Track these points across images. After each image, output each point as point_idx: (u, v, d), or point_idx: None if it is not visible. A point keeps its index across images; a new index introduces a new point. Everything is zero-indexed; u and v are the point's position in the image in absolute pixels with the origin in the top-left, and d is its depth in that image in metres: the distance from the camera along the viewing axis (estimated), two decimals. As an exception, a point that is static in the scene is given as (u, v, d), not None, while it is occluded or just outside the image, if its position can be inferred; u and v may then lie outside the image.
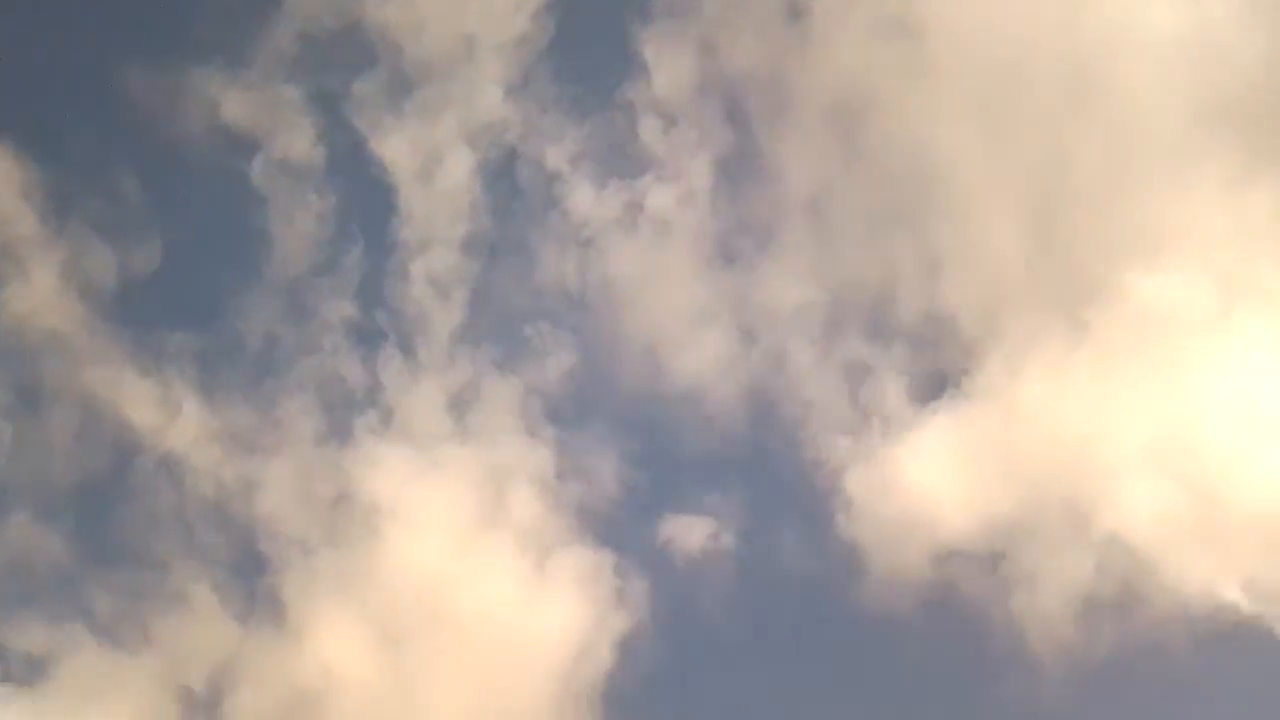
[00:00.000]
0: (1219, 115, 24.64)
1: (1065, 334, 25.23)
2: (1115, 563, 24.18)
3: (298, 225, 27.35)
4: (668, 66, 27.41)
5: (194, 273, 27.41)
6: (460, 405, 26.93)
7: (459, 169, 27.50)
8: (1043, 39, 25.78)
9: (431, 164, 27.54)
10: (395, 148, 27.55)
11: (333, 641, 25.52)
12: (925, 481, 25.48)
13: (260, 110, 27.54)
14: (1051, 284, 25.60)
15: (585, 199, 27.48)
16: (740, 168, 27.34)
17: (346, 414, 26.95)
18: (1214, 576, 23.74)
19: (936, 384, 26.23)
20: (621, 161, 27.68)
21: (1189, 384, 24.58)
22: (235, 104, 27.43)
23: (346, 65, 27.87)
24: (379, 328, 27.32)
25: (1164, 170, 25.00)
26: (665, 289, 27.19)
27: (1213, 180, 24.75)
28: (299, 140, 27.56)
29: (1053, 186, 25.71)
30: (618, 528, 26.41)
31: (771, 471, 26.79)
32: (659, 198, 27.34)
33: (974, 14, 26.14)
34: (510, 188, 27.85)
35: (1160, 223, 25.18)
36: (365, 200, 27.89)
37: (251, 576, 26.05)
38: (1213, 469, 24.21)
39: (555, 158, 27.58)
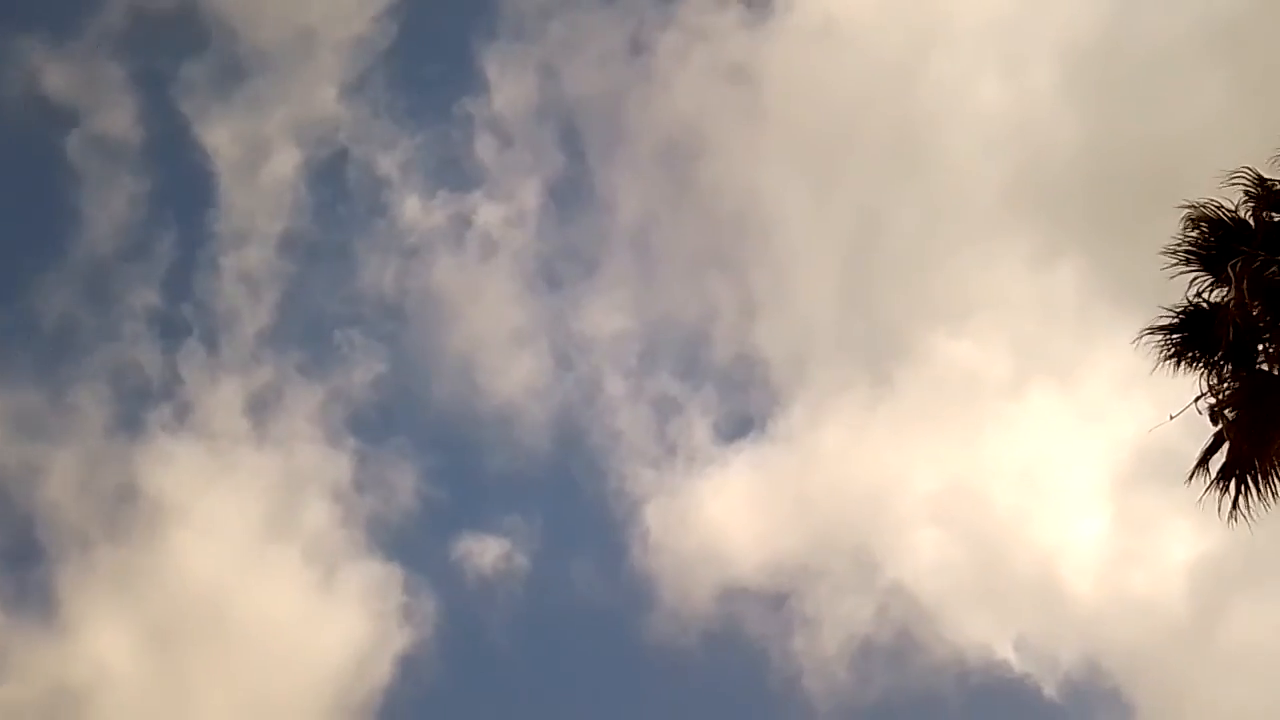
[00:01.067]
0: (1031, 192, 25.29)
1: (868, 388, 25.79)
2: (896, 611, 24.57)
3: (110, 206, 26.54)
4: (509, 85, 27.47)
5: (-8, 244, 26.28)
6: (260, 407, 26.28)
7: (284, 165, 26.94)
8: (874, 101, 26.43)
9: (256, 156, 26.97)
10: (220, 136, 26.95)
11: (105, 639, 24.63)
12: (722, 519, 25.85)
13: (82, 84, 26.82)
14: (860, 338, 26.17)
15: (412, 208, 27.19)
16: (570, 193, 27.55)
17: (140, 406, 26.21)
18: (989, 632, 24.31)
19: (742, 425, 26.73)
20: (453, 174, 27.71)
21: (980, 446, 25.29)
22: (56, 75, 26.65)
23: (178, 46, 27.34)
24: (184, 320, 26.70)
25: (975, 240, 25.71)
26: (485, 306, 27.14)
27: (1019, 254, 25.46)
28: (120, 118, 26.84)
29: (869, 244, 26.29)
30: (411, 543, 26.04)
31: (573, 498, 26.85)
32: (487, 214, 27.25)
33: (811, 69, 26.71)
34: (336, 189, 27.52)
35: (967, 290, 25.84)
36: (183, 187, 27.55)
37: (24, 566, 25.10)
38: (996, 529, 25.00)
39: (386, 163, 27.25)
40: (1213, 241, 12.11)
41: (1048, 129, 25.43)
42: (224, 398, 26.27)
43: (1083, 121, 25.07)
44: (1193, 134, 22.81)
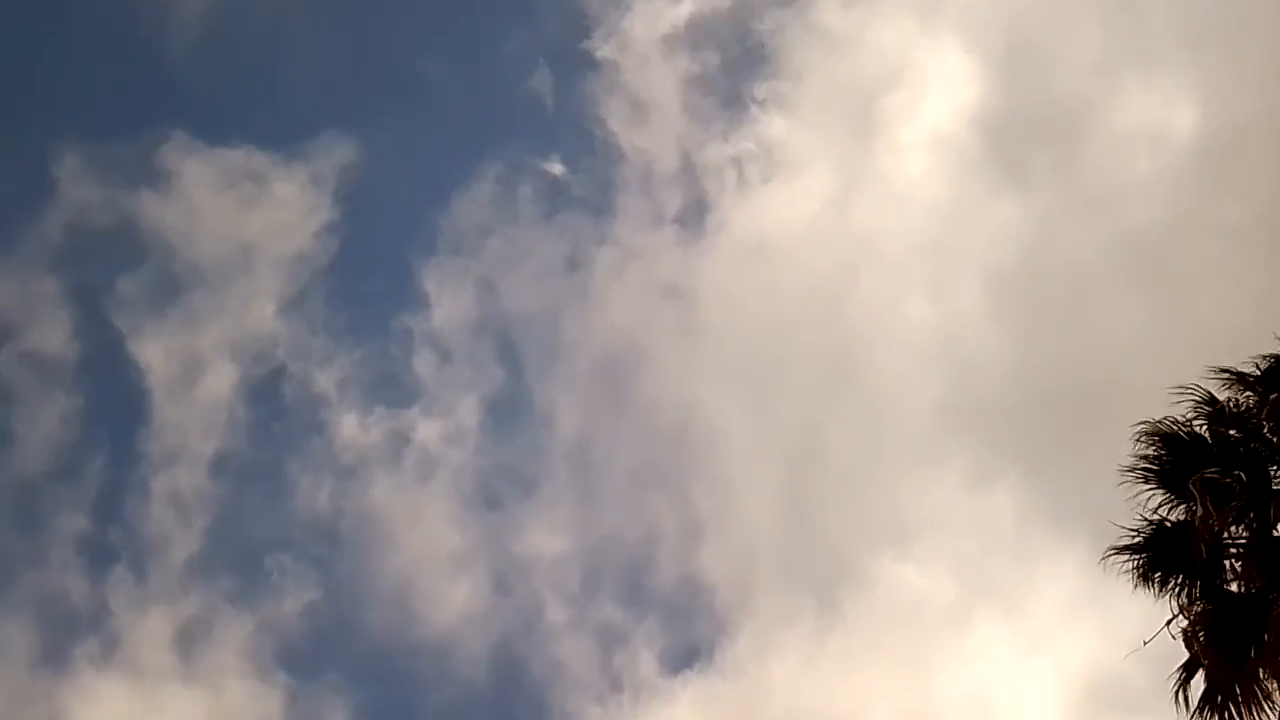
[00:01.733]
0: (962, 412, 25.28)
1: (815, 615, 25.22)
2: None
3: (41, 424, 26.11)
4: (447, 300, 27.35)
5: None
6: (188, 639, 25.44)
7: (219, 382, 26.65)
8: (806, 318, 26.50)
9: (191, 373, 26.67)
10: (154, 352, 26.63)
11: None
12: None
13: (16, 299, 26.71)
14: (805, 562, 25.75)
15: (349, 425, 26.81)
16: (509, 410, 27.28)
17: (67, 638, 25.25)
18: None
19: (688, 655, 25.93)
20: (391, 390, 27.38)
21: (930, 677, 24.71)
22: (-10, 290, 26.07)
23: (114, 261, 27.20)
24: (113, 545, 25.93)
25: (912, 460, 25.56)
26: (421, 528, 26.60)
27: (955, 475, 25.17)
28: (53, 334, 26.53)
29: (809, 464, 26.05)
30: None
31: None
32: (425, 431, 26.85)
33: (744, 287, 26.80)
34: (272, 407, 27.15)
35: (907, 512, 25.50)
36: (116, 405, 27.03)
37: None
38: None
39: (323, 380, 26.97)
40: (1168, 458, 11.88)
41: (975, 349, 25.61)
42: (152, 629, 25.46)
43: (1009, 341, 25.30)
44: (1117, 351, 23.12)
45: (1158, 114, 24.83)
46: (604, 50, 27.89)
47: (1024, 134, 25.74)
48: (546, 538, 26.29)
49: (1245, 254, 22.78)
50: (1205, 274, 23.31)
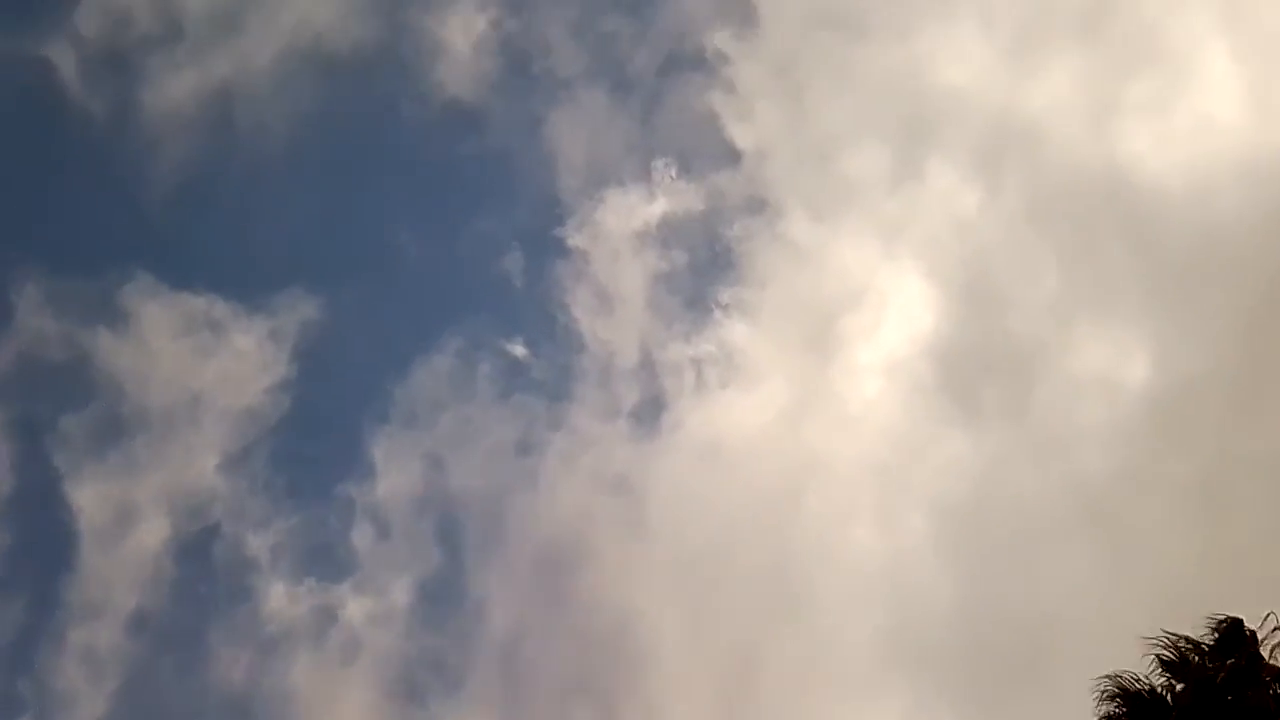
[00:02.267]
0: (905, 646, 24.92)
1: None
2: None
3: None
4: (394, 473, 27.02)
5: None
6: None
7: (151, 535, 26.18)
8: (753, 529, 26.25)
9: (123, 522, 26.19)
10: (89, 496, 26.15)
11: None
12: None
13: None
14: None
15: (277, 595, 26.24)
16: (443, 595, 26.85)
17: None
18: None
19: None
20: (324, 562, 26.88)
21: None
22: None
23: (61, 396, 26.91)
24: (20, 697, 25.26)
25: (850, 692, 25.12)
26: (339, 713, 26.05)
27: (895, 712, 24.71)
28: (-11, 465, 25.93)
29: (744, 687, 25.44)
30: None
31: None
32: (355, 610, 26.35)
33: (694, 491, 26.60)
34: (200, 567, 26.62)
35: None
36: (43, 545, 26.50)
37: None
38: None
39: (256, 544, 26.44)
40: (1127, 713, 11.90)
41: (919, 581, 25.37)
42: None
43: (953, 576, 25.11)
44: (1061, 596, 22.96)
45: (1111, 363, 25.14)
46: (576, 239, 28.22)
47: (978, 369, 26.17)
48: (467, 738, 25.84)
49: (1188, 511, 23.00)
50: (1150, 527, 23.35)
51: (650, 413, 27.42)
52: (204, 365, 27.41)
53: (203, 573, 26.69)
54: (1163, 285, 25.14)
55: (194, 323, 27.40)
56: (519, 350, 27.85)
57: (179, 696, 25.98)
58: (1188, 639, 11.75)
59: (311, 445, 27.66)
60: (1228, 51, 26.13)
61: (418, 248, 28.81)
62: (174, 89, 28.37)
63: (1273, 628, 11.85)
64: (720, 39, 28.63)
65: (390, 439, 27.14)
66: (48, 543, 26.55)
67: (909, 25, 28.26)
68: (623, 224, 28.18)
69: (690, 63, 28.96)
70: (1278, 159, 24.73)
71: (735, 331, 27.53)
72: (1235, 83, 25.92)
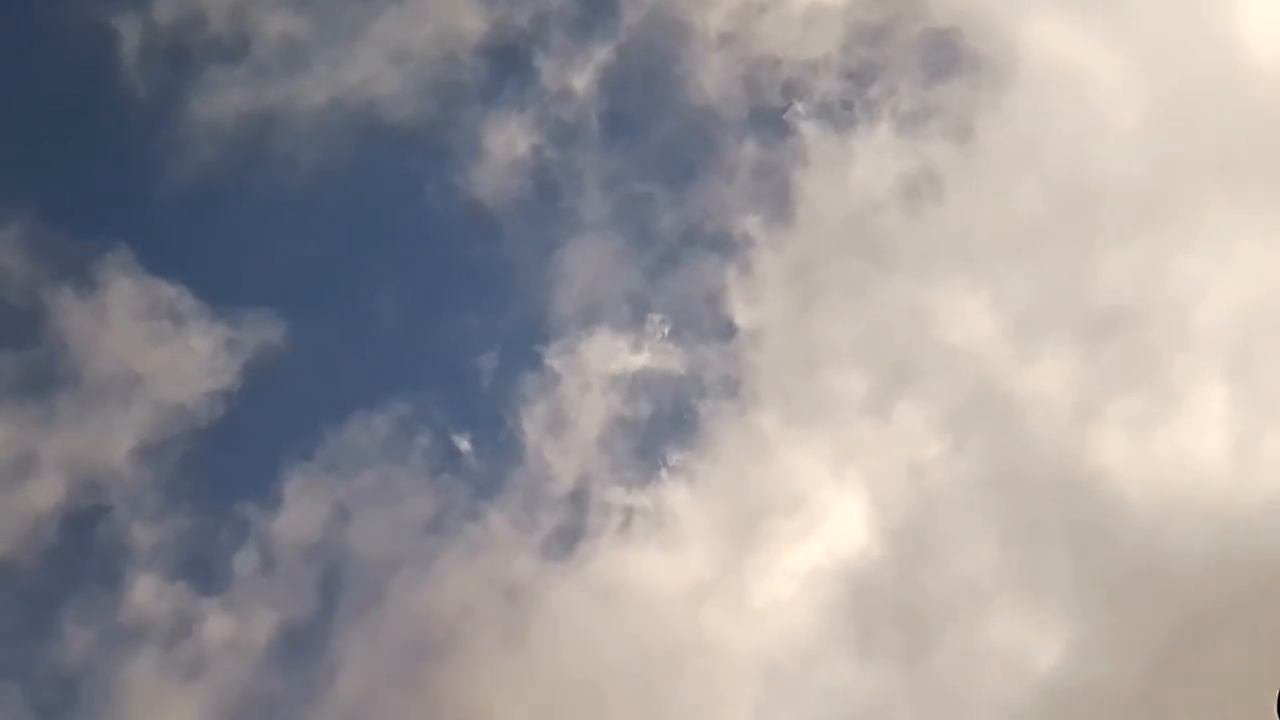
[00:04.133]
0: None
1: None
2: None
3: None
4: (298, 510, 26.90)
5: None
6: None
7: (42, 495, 26.13)
8: (629, 687, 25.81)
9: (18, 474, 26.17)
10: (-3, 437, 25.64)
11: None
12: None
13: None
14: None
15: (145, 588, 26.00)
16: (305, 643, 26.30)
17: None
18: None
19: None
20: (201, 573, 26.49)
21: None
22: None
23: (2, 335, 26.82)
24: None
25: None
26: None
27: None
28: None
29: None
30: None
31: None
32: (215, 627, 25.99)
33: (584, 626, 26.39)
34: (80, 541, 26.29)
35: None
36: None
37: None
38: None
39: (142, 535, 26.32)
40: None
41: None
42: None
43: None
44: None
45: (1022, 644, 25.17)
46: (552, 361, 28.44)
47: (892, 608, 25.97)
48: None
49: None
50: None
51: (567, 539, 27.18)
52: (153, 351, 27.24)
53: (80, 547, 26.22)
54: (1093, 589, 25.11)
55: (156, 308, 27.33)
56: (463, 440, 27.73)
57: (12, 654, 25.38)
58: None
59: (228, 459, 27.31)
60: (1225, 398, 26.52)
61: (397, 313, 28.73)
62: (221, 98, 28.72)
63: None
64: (750, 223, 29.15)
65: (306, 476, 26.93)
66: None
67: (928, 277, 28.57)
68: (601, 362, 28.34)
69: (713, 238, 29.31)
70: (1244, 511, 25.02)
71: (675, 494, 27.48)
72: (1223, 429, 26.24)
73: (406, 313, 28.69)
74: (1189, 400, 26.82)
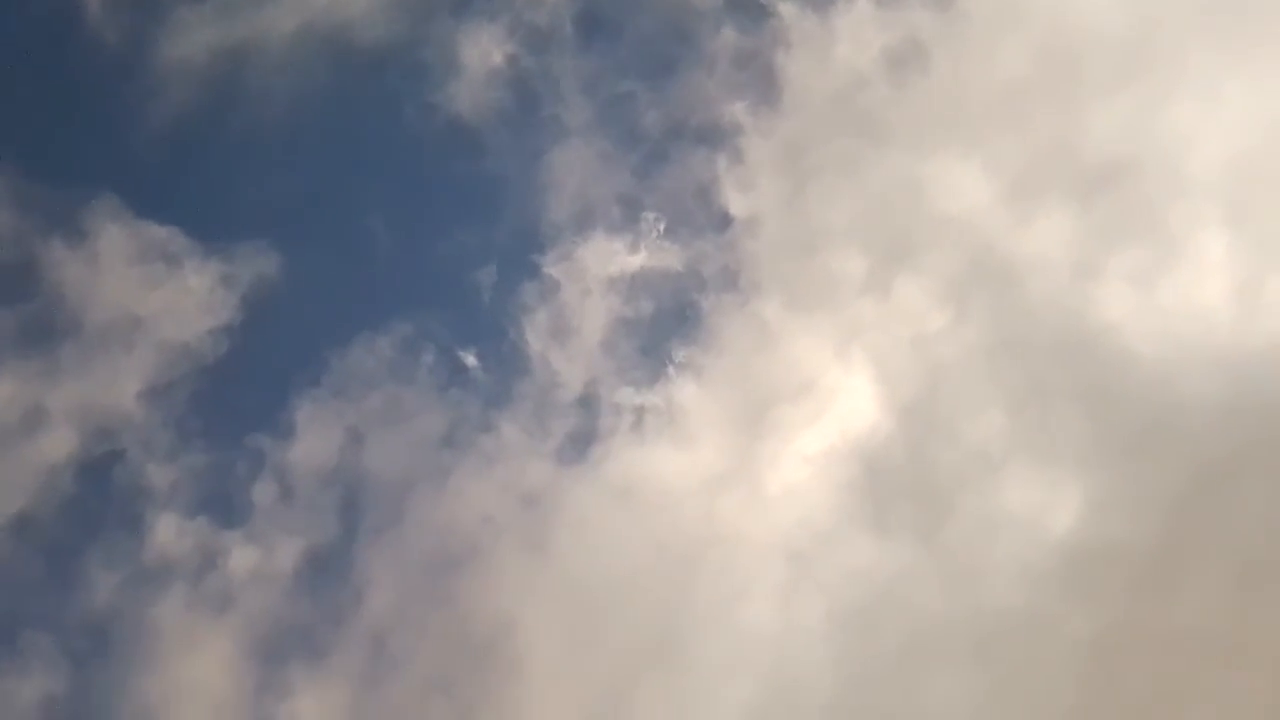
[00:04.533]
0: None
1: None
2: None
3: None
4: (311, 437, 27.06)
5: None
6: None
7: (54, 447, 26.24)
8: (649, 581, 26.07)
9: (28, 427, 26.26)
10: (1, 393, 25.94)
11: None
12: None
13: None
14: None
15: (166, 527, 26.21)
16: (329, 566, 26.54)
17: None
18: None
19: None
20: (221, 507, 26.69)
21: None
22: None
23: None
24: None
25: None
26: (199, 659, 25.58)
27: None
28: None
29: None
30: None
31: None
32: (240, 559, 26.22)
33: (602, 526, 26.59)
34: (97, 488, 26.47)
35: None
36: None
37: None
38: None
39: (158, 475, 26.47)
40: None
41: (802, 673, 25.06)
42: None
43: (836, 677, 24.75)
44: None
45: (1036, 508, 25.17)
46: (550, 269, 28.49)
47: (906, 482, 26.11)
48: (314, 708, 25.38)
49: (1077, 667, 23.24)
50: (1037, 674, 23.53)
51: (580, 443, 27.33)
52: (150, 294, 27.27)
53: (98, 493, 26.39)
54: (1106, 447, 25.17)
55: (149, 252, 27.31)
56: (468, 354, 27.83)
57: (41, 606, 25.62)
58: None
59: (237, 393, 27.43)
60: (1224, 244, 26.41)
61: (390, 236, 28.65)
62: (190, 37, 28.52)
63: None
64: (737, 110, 29.00)
65: (315, 404, 27.05)
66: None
67: (920, 149, 28.46)
68: (600, 266, 28.34)
69: (700, 130, 29.15)
70: (1249, 356, 24.99)
71: (683, 390, 27.58)
72: (1225, 275, 26.17)
73: (399, 233, 28.61)
74: (1188, 249, 26.71)
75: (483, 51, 28.89)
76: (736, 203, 28.53)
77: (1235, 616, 22.98)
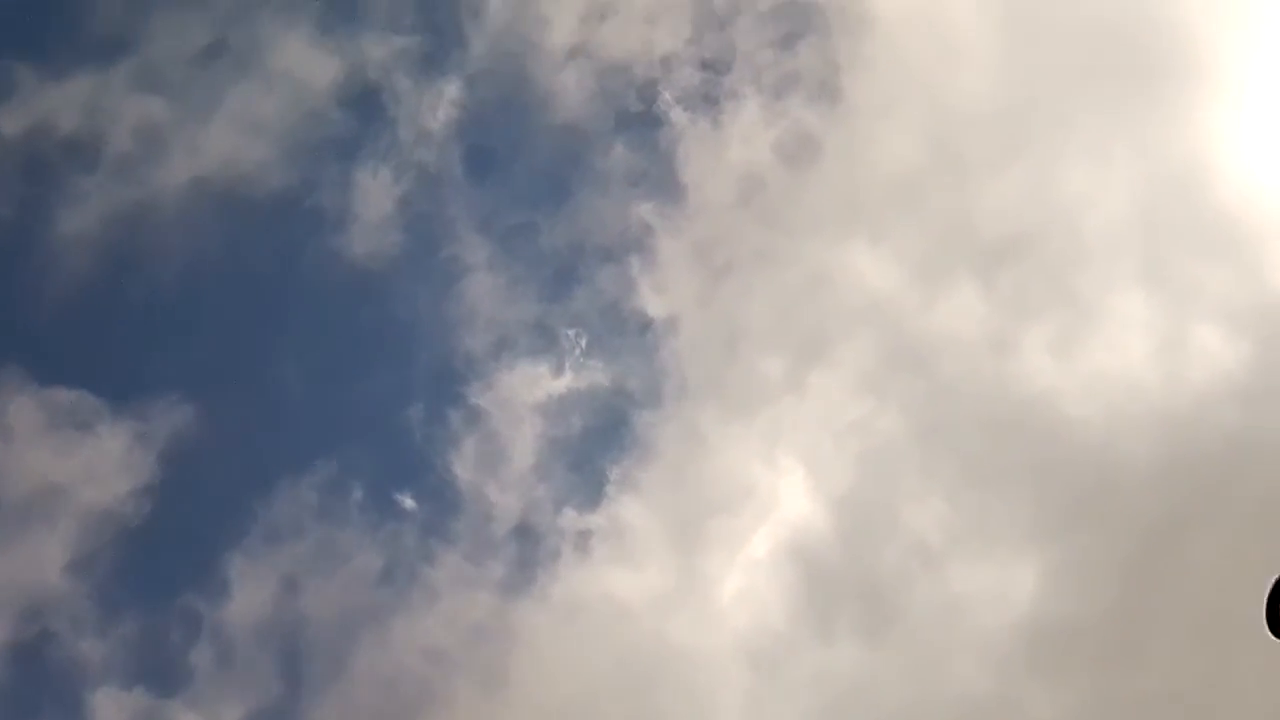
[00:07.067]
0: None
1: None
2: None
3: None
4: (245, 591, 26.21)
5: None
6: None
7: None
8: (612, 701, 25.53)
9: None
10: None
11: None
12: None
13: None
14: None
15: (104, 701, 25.22)
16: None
17: None
18: None
19: None
20: (159, 675, 25.74)
21: None
22: None
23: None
24: None
25: None
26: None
27: None
28: None
29: None
30: None
31: None
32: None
33: (556, 651, 26.17)
34: (30, 673, 25.49)
35: None
36: None
37: None
38: None
39: (91, 651, 25.50)
40: None
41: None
42: None
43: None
44: None
45: (992, 588, 25.12)
46: (476, 400, 27.96)
47: (852, 582, 25.96)
48: None
49: None
50: None
51: (526, 570, 26.80)
52: (65, 462, 26.59)
53: (32, 677, 25.49)
54: (1050, 520, 25.24)
55: (59, 418, 26.70)
56: (400, 492, 27.31)
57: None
58: None
59: (164, 554, 26.65)
60: (1140, 302, 26.73)
61: (304, 381, 28.16)
62: (85, 206, 28.09)
63: None
64: (644, 210, 29.07)
65: (246, 556, 26.31)
66: None
67: (823, 238, 28.68)
68: (526, 391, 28.01)
69: (605, 244, 29.06)
70: (1180, 409, 25.24)
71: (623, 507, 27.24)
72: (1145, 332, 26.46)
73: (312, 378, 28.18)
74: (1104, 311, 27.05)
75: (377, 196, 28.64)
76: (654, 304, 28.48)
77: (1203, 676, 22.94)
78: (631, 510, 27.05)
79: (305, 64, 28.95)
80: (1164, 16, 28.67)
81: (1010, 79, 28.96)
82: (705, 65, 29.73)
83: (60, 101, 28.04)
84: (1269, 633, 14.57)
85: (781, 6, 29.97)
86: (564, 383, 28.00)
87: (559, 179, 29.51)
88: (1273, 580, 14.45)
